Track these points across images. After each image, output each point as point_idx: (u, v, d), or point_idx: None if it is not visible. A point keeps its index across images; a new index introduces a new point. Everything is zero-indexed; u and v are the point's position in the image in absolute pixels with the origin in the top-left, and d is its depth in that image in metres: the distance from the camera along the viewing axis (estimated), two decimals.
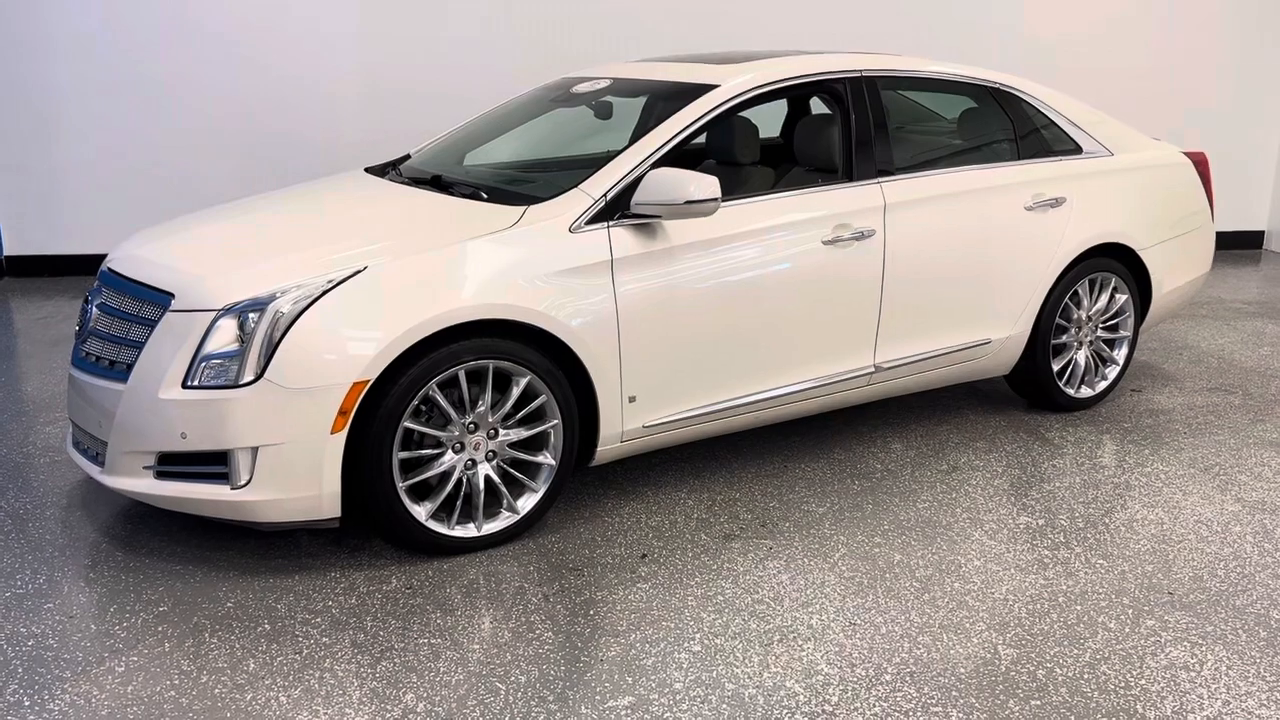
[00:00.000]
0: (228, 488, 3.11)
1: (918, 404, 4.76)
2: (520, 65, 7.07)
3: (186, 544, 3.42)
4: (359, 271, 3.16)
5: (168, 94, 7.09)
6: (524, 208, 3.46)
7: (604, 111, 4.41)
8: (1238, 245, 8.50)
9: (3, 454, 4.16)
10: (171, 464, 3.17)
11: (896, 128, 4.76)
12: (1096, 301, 4.67)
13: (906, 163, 4.21)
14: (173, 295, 3.21)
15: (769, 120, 5.14)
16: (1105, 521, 3.65)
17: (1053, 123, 4.63)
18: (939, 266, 4.16)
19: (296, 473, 3.08)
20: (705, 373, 3.71)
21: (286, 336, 3.05)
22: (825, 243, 3.87)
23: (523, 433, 3.40)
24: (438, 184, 3.90)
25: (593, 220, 3.47)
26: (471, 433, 3.32)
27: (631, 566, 3.31)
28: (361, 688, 2.68)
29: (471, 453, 3.34)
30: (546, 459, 3.45)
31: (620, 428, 3.57)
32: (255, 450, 3.07)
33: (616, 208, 3.51)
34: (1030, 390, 4.70)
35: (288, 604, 3.08)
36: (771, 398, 3.87)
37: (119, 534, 3.49)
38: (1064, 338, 4.62)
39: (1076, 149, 4.65)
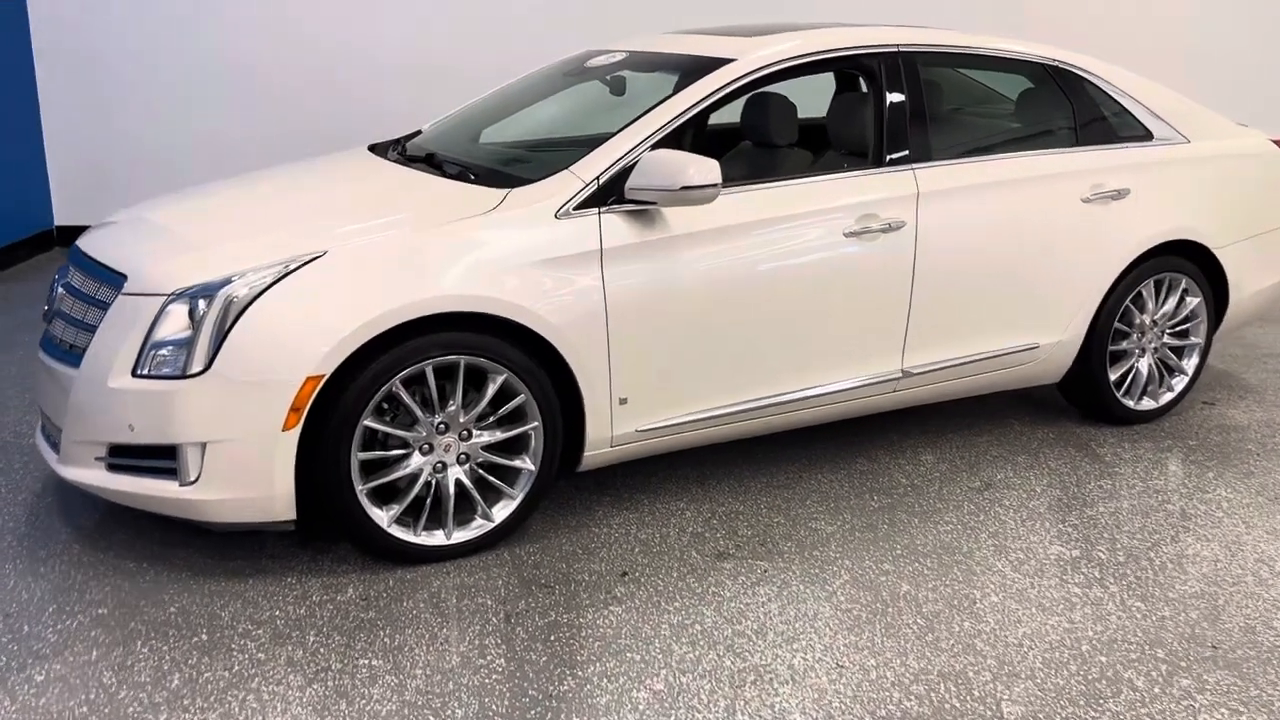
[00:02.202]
0: (176, 484, 2.92)
1: (957, 412, 4.36)
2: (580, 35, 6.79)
3: (149, 539, 3.24)
4: (318, 256, 2.93)
5: (219, 67, 7.03)
6: (507, 191, 3.19)
7: (618, 87, 4.10)
8: None
9: None
10: (122, 456, 2.99)
11: (954, 109, 4.36)
12: (1163, 305, 4.21)
13: (949, 148, 3.82)
14: (126, 277, 3.02)
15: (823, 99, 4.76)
16: (1150, 556, 3.24)
17: (1120, 106, 4.17)
18: (978, 263, 3.77)
19: (246, 471, 2.87)
20: (707, 375, 3.40)
21: (236, 325, 2.84)
22: (848, 234, 3.52)
23: (498, 435, 3.14)
24: (431, 163, 3.65)
25: (582, 205, 3.18)
26: (441, 434, 3.07)
27: (608, 586, 3.03)
28: (284, 714, 2.46)
29: (441, 455, 3.09)
30: (525, 464, 3.19)
31: (610, 432, 3.29)
32: (204, 446, 2.86)
33: (610, 192, 3.21)
34: (1084, 400, 4.27)
35: (233, 611, 2.88)
36: (782, 403, 3.54)
37: (84, 526, 3.34)
38: (1124, 344, 4.18)
39: (1146, 135, 4.19)
